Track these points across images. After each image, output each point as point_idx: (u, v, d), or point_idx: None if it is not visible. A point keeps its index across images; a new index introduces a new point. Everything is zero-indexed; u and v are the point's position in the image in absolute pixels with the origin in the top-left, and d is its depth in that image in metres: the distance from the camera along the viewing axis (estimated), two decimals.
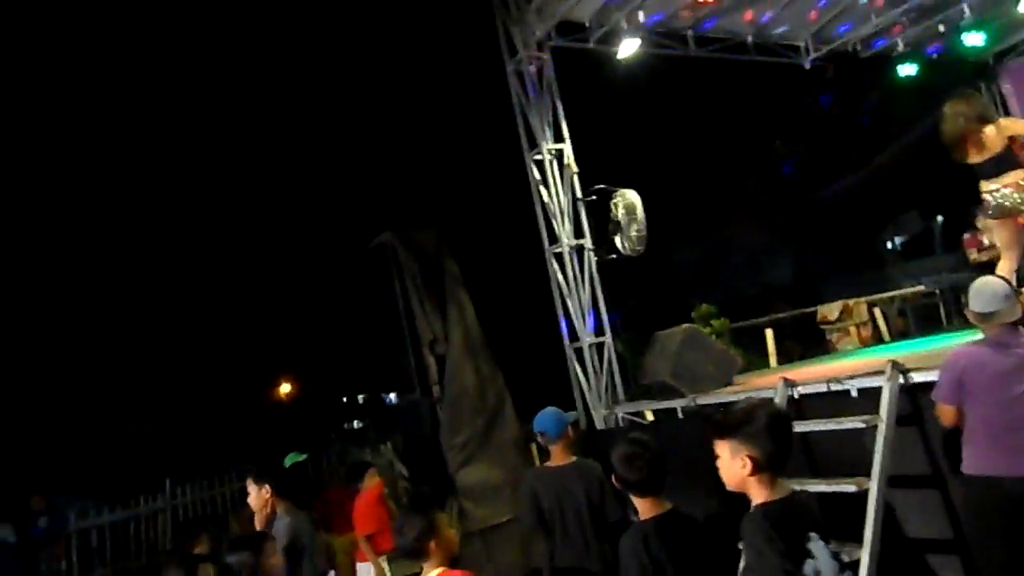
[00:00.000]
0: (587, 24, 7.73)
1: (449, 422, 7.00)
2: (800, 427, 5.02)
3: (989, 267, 8.98)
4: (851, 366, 5.91)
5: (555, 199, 7.46)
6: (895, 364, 4.56)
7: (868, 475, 4.32)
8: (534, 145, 7.57)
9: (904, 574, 4.49)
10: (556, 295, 7.47)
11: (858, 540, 4.20)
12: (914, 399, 4.56)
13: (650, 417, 7.08)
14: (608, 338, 7.33)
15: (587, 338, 7.26)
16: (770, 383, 5.55)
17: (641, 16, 7.37)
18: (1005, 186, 5.61)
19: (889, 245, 18.20)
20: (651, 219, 7.27)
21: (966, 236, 9.55)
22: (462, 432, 6.98)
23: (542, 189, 7.51)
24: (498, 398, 7.22)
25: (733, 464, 2.53)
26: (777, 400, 5.19)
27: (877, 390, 4.64)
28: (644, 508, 3.18)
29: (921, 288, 11.21)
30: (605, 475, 3.89)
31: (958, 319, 9.90)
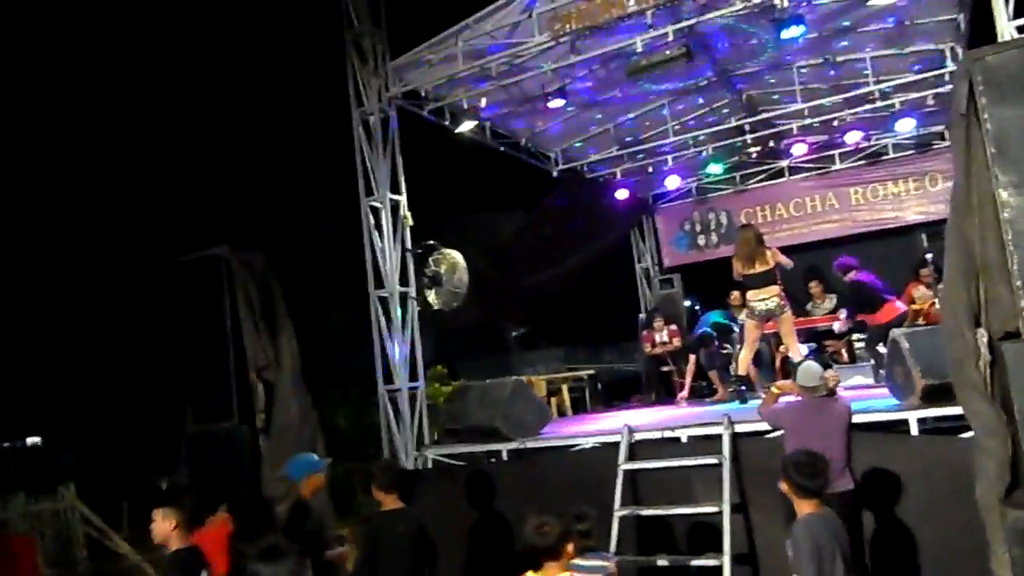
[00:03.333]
0: (425, 94, 8.38)
1: (273, 453, 6.72)
2: (647, 464, 6.24)
3: (659, 358, 11.52)
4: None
5: (386, 246, 7.82)
6: (729, 418, 6.07)
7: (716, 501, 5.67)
8: (371, 192, 7.89)
9: None
10: (376, 338, 7.71)
11: (714, 550, 5.49)
12: (735, 444, 6.07)
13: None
14: (421, 384, 7.78)
15: (404, 383, 7.62)
16: (613, 428, 6.68)
17: (483, 102, 8.31)
18: (771, 296, 7.66)
19: (513, 334, 21.05)
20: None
21: (644, 333, 12.03)
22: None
23: (375, 234, 7.81)
24: (313, 434, 7.12)
25: (163, 524, 3.98)
26: (622, 442, 6.33)
27: (706, 437, 6.11)
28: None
29: (587, 372, 13.65)
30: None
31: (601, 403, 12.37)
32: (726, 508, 5.59)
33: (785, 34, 6.85)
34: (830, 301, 10.79)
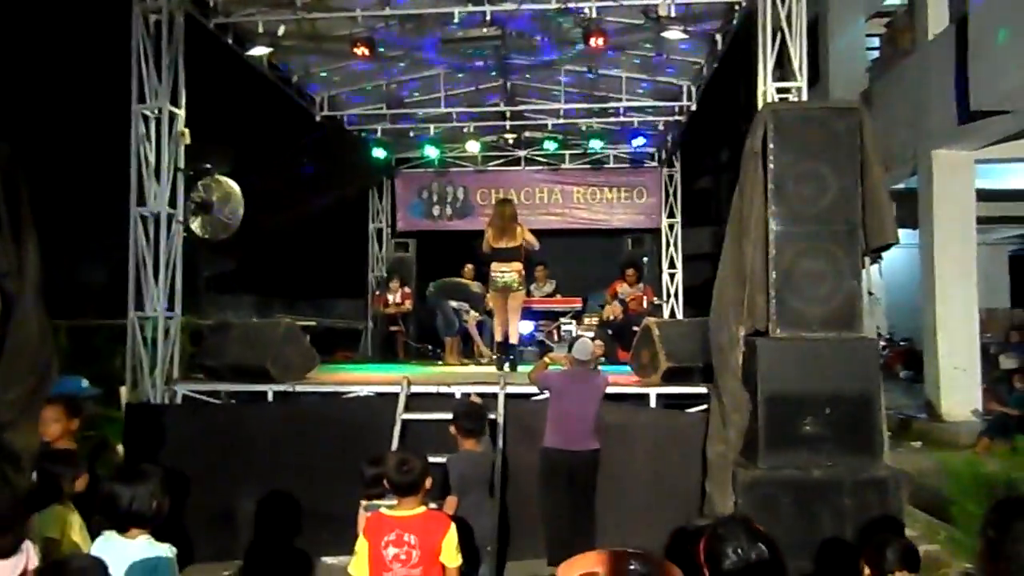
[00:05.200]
0: (215, 5, 7.73)
1: (4, 374, 5.80)
2: (424, 416, 6.54)
3: (391, 317, 11.85)
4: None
5: (156, 162, 7.09)
6: (504, 378, 6.64)
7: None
8: (144, 99, 7.08)
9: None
10: (132, 260, 6.97)
11: None
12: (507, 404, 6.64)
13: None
14: (178, 313, 7.21)
15: (161, 311, 7.01)
16: (395, 380, 6.83)
17: (282, 30, 7.87)
18: (512, 271, 8.31)
19: (206, 274, 20.31)
20: None
21: (376, 294, 12.27)
22: (14, 388, 5.85)
23: (144, 147, 7.04)
24: (50, 357, 6.26)
25: None
26: (401, 394, 6.57)
27: (480, 395, 6.62)
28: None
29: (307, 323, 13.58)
30: None
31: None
32: (498, 458, 6.15)
33: (592, 41, 7.56)
34: (550, 285, 12.05)
